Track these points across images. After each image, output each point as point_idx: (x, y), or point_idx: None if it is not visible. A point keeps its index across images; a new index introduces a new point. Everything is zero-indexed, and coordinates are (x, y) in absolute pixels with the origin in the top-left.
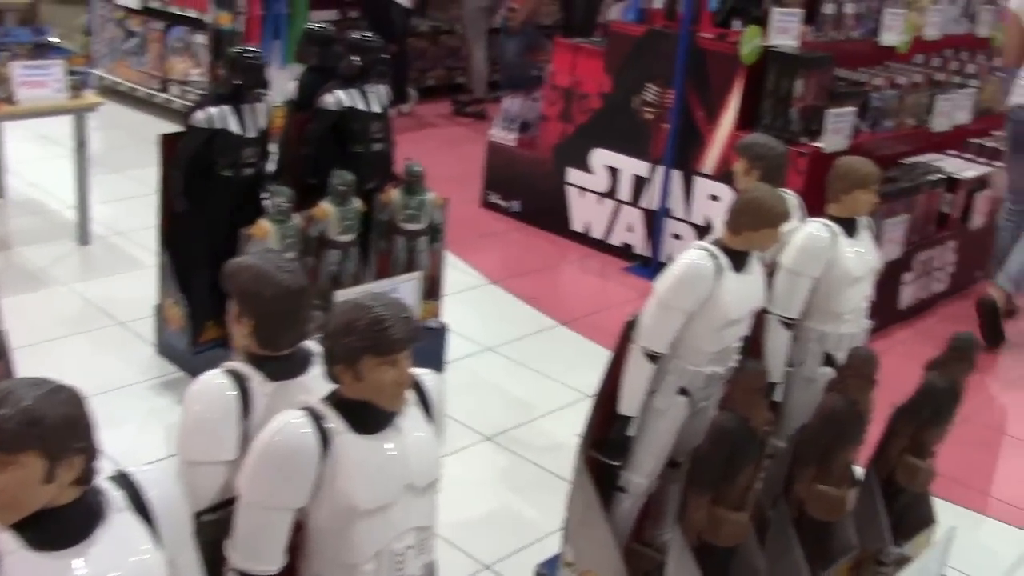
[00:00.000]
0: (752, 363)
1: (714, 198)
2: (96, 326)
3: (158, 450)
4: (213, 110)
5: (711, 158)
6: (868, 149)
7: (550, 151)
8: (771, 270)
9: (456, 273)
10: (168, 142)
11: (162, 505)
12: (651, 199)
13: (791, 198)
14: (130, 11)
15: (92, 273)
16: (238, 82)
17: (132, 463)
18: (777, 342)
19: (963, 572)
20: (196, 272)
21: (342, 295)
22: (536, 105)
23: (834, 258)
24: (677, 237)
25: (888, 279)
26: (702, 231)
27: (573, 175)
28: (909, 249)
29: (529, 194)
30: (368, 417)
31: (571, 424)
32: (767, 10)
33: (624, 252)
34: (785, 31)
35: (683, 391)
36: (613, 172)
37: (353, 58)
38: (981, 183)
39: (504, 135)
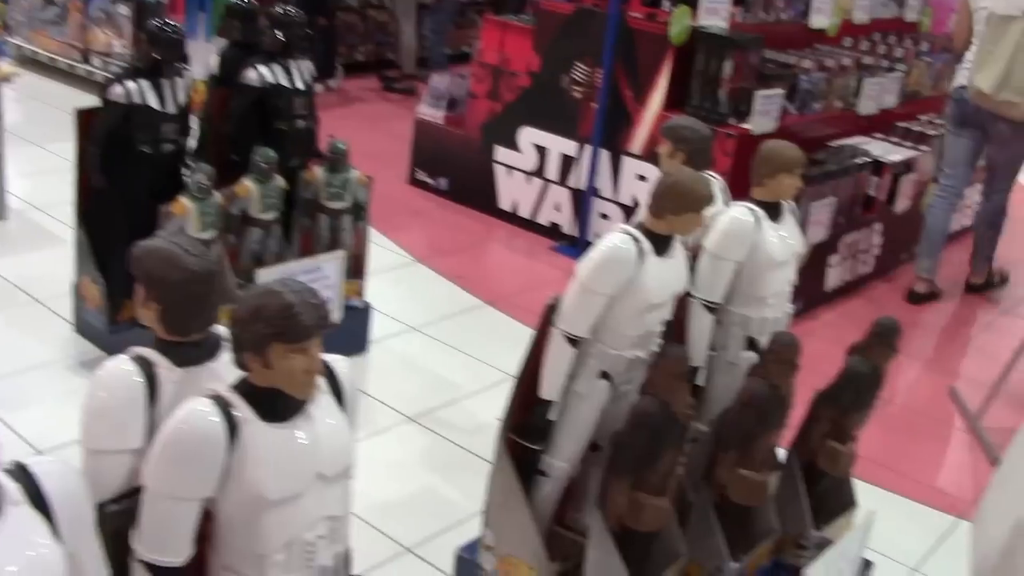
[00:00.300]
0: (674, 348)
1: (642, 178)
2: (12, 304)
3: (74, 431)
4: (131, 85)
5: (639, 138)
6: (796, 131)
7: (478, 129)
8: (694, 254)
9: (381, 251)
10: (84, 117)
11: (61, 497)
12: (579, 178)
13: (715, 181)
14: None
15: (8, 249)
16: (157, 56)
17: (48, 444)
18: (700, 326)
19: (884, 554)
20: (114, 250)
21: (264, 274)
22: (464, 82)
23: (758, 242)
24: (605, 217)
25: (814, 261)
26: (629, 211)
27: (501, 153)
28: (835, 231)
29: (456, 172)
30: (277, 405)
31: (495, 405)
32: None
33: (551, 231)
34: (714, 12)
35: (604, 375)
36: (541, 151)
37: (276, 33)
38: (907, 166)
39: (432, 112)
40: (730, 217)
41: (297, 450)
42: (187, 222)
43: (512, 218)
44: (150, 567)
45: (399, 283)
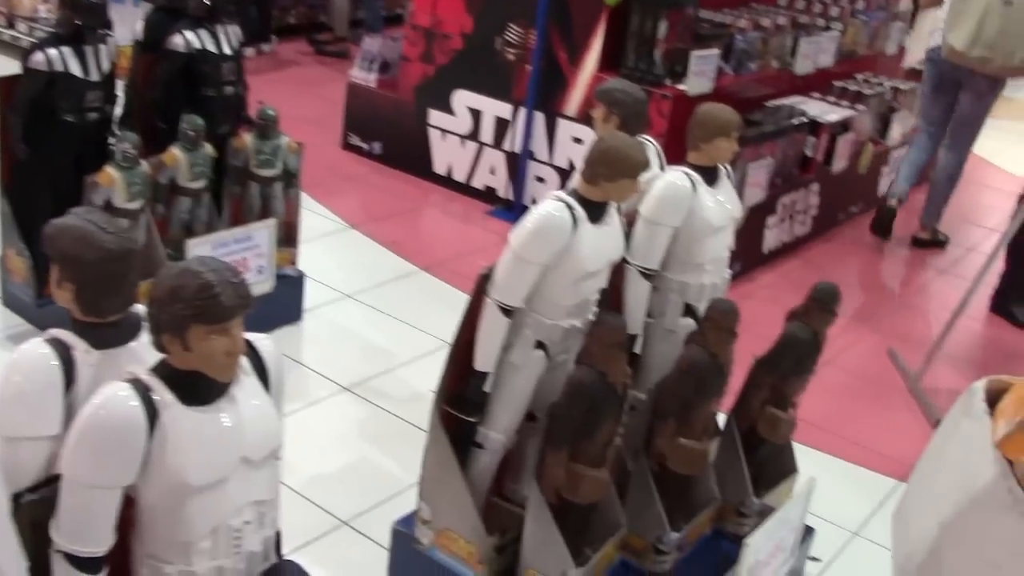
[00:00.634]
0: (610, 317)
1: (577, 141)
2: None
3: None
4: (52, 52)
5: (574, 100)
6: (732, 92)
7: (411, 92)
8: (630, 220)
9: (314, 218)
10: (6, 85)
11: None
12: (514, 141)
13: (650, 146)
14: None
15: None
16: (79, 22)
17: None
18: (637, 293)
19: (825, 519)
20: (39, 222)
21: (194, 244)
22: (397, 45)
23: (694, 208)
24: (540, 180)
25: (752, 223)
26: (565, 174)
27: (435, 117)
28: (773, 192)
29: (390, 136)
30: (199, 388)
31: (432, 373)
32: None
33: (487, 195)
34: None
35: (540, 345)
36: (475, 114)
37: None
38: (844, 126)
39: (364, 76)
40: (666, 182)
41: (220, 434)
42: (114, 192)
43: (447, 182)
44: (70, 558)
45: (333, 250)
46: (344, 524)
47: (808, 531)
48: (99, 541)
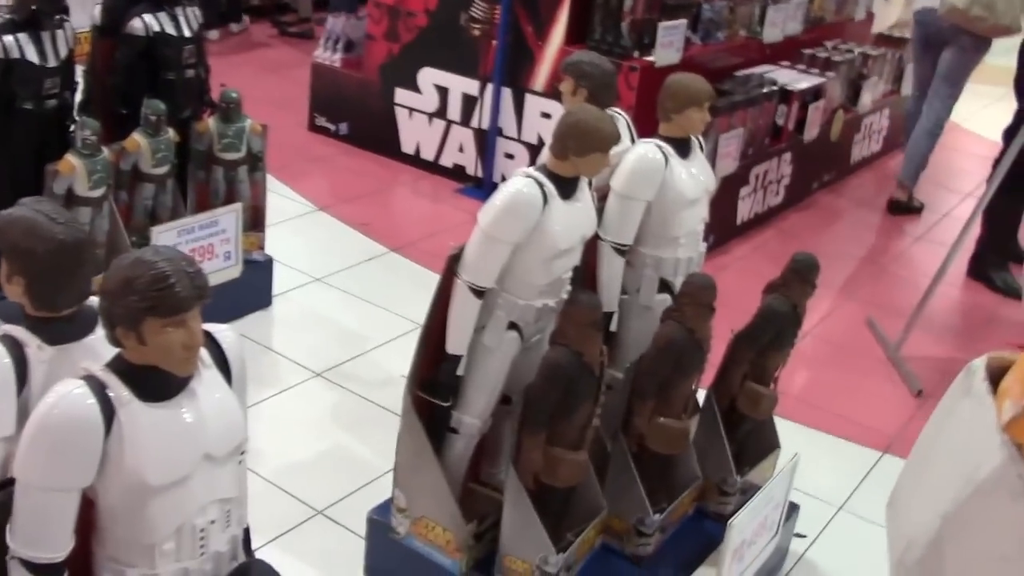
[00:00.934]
0: (584, 295)
1: (546, 116)
2: None
3: None
4: (7, 38)
5: (542, 75)
6: (700, 62)
7: (376, 71)
8: (602, 195)
9: (282, 201)
10: None
11: None
12: (482, 118)
13: (620, 118)
14: None
15: None
16: (34, 8)
17: None
18: (611, 270)
19: (810, 494)
20: None
21: (159, 231)
22: (361, 24)
23: (667, 180)
24: (509, 157)
25: (725, 194)
26: (535, 150)
27: (401, 95)
28: (745, 163)
29: (357, 116)
30: (157, 383)
31: (405, 356)
32: None
33: (456, 173)
34: None
35: (513, 326)
36: (442, 91)
37: None
38: (815, 94)
39: (328, 56)
40: (637, 155)
41: (181, 430)
42: (75, 180)
43: (416, 161)
44: (28, 564)
45: (301, 233)
46: (319, 513)
47: (792, 508)
48: (57, 546)
